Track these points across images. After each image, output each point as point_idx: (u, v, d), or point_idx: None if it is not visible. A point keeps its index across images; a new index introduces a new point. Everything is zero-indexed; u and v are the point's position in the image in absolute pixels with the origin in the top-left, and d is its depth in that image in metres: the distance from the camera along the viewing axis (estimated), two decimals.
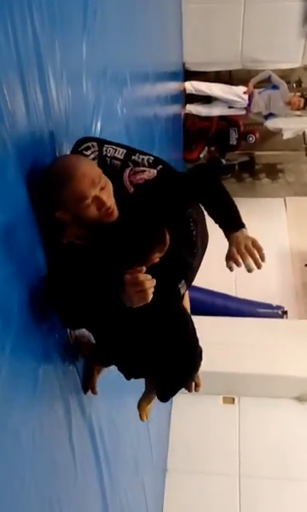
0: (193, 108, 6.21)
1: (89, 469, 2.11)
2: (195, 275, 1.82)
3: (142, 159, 1.59)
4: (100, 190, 1.41)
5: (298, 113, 5.90)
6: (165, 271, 1.50)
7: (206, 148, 6.58)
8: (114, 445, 2.51)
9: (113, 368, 2.04)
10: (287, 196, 6.91)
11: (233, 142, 6.29)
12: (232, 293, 5.75)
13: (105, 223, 1.46)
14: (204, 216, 1.75)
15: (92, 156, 1.55)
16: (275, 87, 5.73)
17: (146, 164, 1.58)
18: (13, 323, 1.31)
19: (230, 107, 5.98)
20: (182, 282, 1.70)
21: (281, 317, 5.48)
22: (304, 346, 4.86)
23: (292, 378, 4.82)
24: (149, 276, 1.38)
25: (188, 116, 6.36)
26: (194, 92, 6.02)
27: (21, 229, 1.38)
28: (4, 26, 1.26)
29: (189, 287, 1.79)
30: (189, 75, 6.22)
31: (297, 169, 7.13)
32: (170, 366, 1.87)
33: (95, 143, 1.57)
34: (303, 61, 6.12)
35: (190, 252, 1.69)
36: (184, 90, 6.00)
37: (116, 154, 1.57)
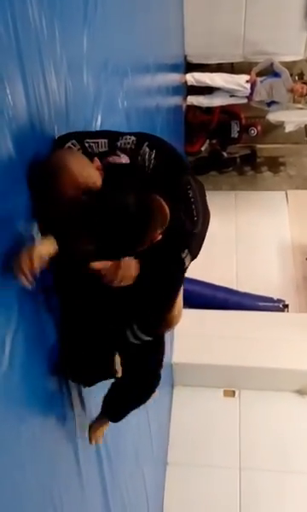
0: (194, 100, 6.16)
1: (89, 462, 2.12)
2: (200, 247, 1.72)
3: (126, 141, 1.57)
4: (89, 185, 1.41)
5: (300, 105, 5.86)
6: (166, 240, 1.45)
7: (208, 140, 6.55)
8: (115, 439, 2.51)
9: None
10: (289, 190, 6.88)
11: (234, 134, 6.25)
12: (233, 287, 5.75)
13: None
14: (202, 185, 1.70)
15: (99, 150, 1.53)
16: (276, 75, 5.69)
17: (132, 147, 1.56)
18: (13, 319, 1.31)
19: (232, 96, 5.94)
20: (186, 251, 1.60)
21: (282, 310, 5.47)
22: (304, 340, 4.87)
23: (292, 371, 4.84)
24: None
25: (190, 109, 6.32)
26: (195, 84, 5.97)
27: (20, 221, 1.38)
28: (4, 17, 1.25)
29: (194, 258, 1.69)
30: (191, 68, 6.17)
31: (299, 162, 7.10)
32: (132, 386, 1.91)
33: (74, 141, 1.53)
34: (305, 54, 6.07)
35: (191, 219, 1.58)
36: (185, 82, 5.96)
37: (100, 149, 1.54)
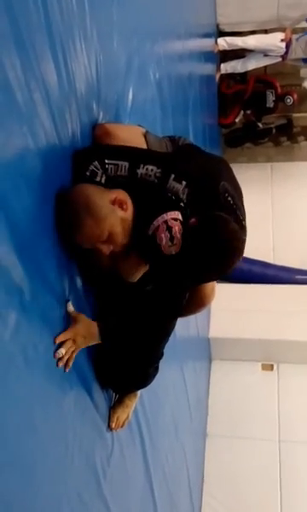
0: (228, 66, 6.02)
1: (130, 434, 2.15)
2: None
3: (148, 173, 1.48)
4: (100, 242, 1.41)
5: None
6: None
7: (242, 111, 6.41)
8: (154, 411, 2.55)
9: None
10: None
11: (270, 104, 6.08)
12: (270, 261, 5.69)
13: None
14: (235, 179, 1.67)
15: (103, 180, 1.47)
16: None
17: (155, 181, 1.48)
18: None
19: (266, 56, 5.78)
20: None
21: None
22: None
23: None
24: None
25: (223, 79, 6.18)
26: (227, 48, 5.81)
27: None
28: None
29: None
30: (223, 36, 6.01)
31: None
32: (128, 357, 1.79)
33: (96, 163, 1.46)
34: None
35: (240, 226, 1.57)
36: (218, 51, 5.81)
37: (119, 172, 1.48)
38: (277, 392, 4.97)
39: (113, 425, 1.87)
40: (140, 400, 2.15)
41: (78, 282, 1.55)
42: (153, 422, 2.50)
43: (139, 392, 1.99)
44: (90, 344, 1.50)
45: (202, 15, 5.07)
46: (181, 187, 1.48)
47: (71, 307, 1.46)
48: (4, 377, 1.11)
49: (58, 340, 1.39)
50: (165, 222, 1.45)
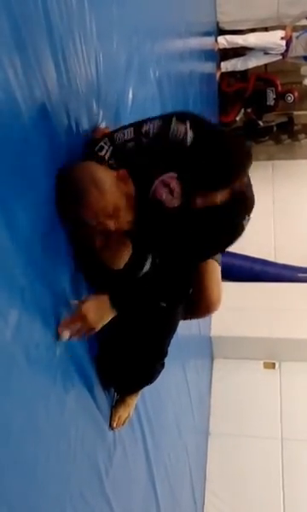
0: (228, 65, 6.01)
1: (132, 433, 2.15)
2: None
3: (151, 125, 1.50)
4: (106, 217, 1.40)
5: None
6: (231, 205, 1.50)
7: (243, 110, 6.40)
8: (157, 410, 2.55)
9: None
10: None
11: (270, 102, 6.07)
12: (271, 259, 5.68)
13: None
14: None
15: (108, 155, 1.49)
16: None
17: (155, 128, 1.49)
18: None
19: (266, 54, 5.77)
20: (247, 217, 1.60)
21: None
22: None
23: None
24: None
25: (224, 77, 6.17)
26: (227, 46, 5.80)
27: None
28: None
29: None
30: (223, 34, 6.00)
31: None
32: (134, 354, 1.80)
33: (106, 139, 1.51)
34: None
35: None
36: (218, 50, 5.80)
37: (126, 137, 1.50)
38: (279, 390, 4.97)
39: (115, 424, 1.88)
40: (142, 399, 2.15)
41: (79, 281, 1.55)
42: (156, 421, 2.51)
43: (140, 391, 1.99)
44: (106, 319, 1.45)
45: (202, 13, 5.07)
46: (184, 127, 1.47)
47: (74, 301, 1.45)
48: (6, 376, 1.11)
49: (64, 324, 1.37)
50: (162, 181, 1.50)
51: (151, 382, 1.90)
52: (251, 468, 4.52)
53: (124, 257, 1.54)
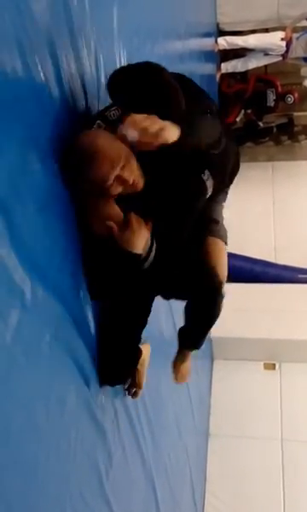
0: (228, 66, 6.01)
1: (133, 434, 2.15)
2: (224, 173, 1.76)
3: None
4: (121, 169, 1.41)
5: None
6: (187, 160, 1.55)
7: (243, 111, 6.40)
8: (157, 411, 2.55)
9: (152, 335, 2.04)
10: None
11: (270, 103, 6.08)
12: (272, 260, 5.68)
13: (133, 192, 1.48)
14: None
15: (117, 114, 1.50)
16: None
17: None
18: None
19: (266, 55, 5.78)
20: (206, 172, 1.62)
21: None
22: None
23: None
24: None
25: (224, 79, 6.17)
26: (227, 47, 5.80)
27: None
28: None
29: (219, 189, 1.74)
30: (223, 35, 6.01)
31: None
32: (196, 304, 1.82)
33: (100, 122, 1.52)
34: None
35: (213, 142, 1.59)
36: (219, 51, 5.81)
37: (119, 113, 1.51)
38: (279, 391, 4.97)
39: (178, 379, 2.04)
40: (142, 399, 2.16)
41: (79, 281, 1.55)
42: (156, 422, 2.51)
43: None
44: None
45: (202, 15, 5.07)
46: None
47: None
48: (6, 377, 1.11)
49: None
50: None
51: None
52: (252, 469, 4.52)
53: (145, 237, 1.53)
